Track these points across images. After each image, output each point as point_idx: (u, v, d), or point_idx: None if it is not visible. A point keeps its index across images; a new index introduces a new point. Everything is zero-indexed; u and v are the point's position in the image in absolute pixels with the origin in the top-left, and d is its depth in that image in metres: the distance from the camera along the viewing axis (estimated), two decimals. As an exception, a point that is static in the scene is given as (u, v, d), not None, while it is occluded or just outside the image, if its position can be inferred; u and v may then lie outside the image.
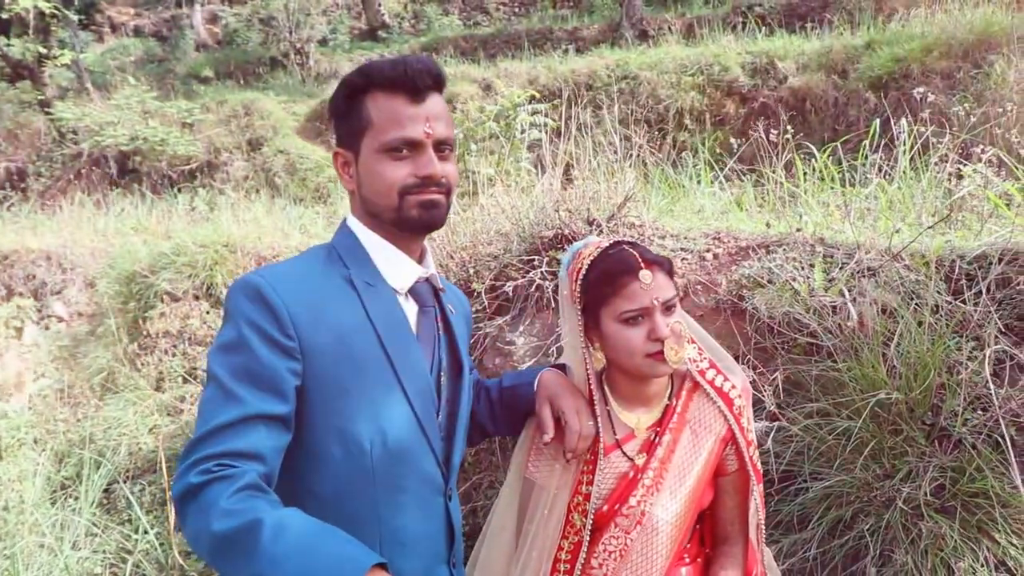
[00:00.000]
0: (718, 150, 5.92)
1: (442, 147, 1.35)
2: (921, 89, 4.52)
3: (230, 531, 1.05)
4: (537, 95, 5.67)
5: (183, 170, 9.78)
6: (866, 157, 3.29)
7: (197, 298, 4.98)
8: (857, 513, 2.13)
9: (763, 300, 2.41)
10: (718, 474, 1.57)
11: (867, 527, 2.07)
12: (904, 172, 3.21)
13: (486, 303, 2.95)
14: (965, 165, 2.97)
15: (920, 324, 2.13)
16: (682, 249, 2.79)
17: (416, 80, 1.31)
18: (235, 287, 1.28)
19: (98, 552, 3.47)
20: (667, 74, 8.91)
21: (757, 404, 2.14)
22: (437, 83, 1.35)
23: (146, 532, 3.49)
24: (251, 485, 1.11)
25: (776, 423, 2.21)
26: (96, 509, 3.77)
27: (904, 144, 3.23)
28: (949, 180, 3.02)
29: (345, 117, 1.36)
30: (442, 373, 1.44)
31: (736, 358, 2.18)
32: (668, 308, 1.45)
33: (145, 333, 4.92)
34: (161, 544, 3.47)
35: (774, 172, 3.45)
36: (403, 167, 1.32)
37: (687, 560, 1.56)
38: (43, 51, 10.53)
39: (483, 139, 4.96)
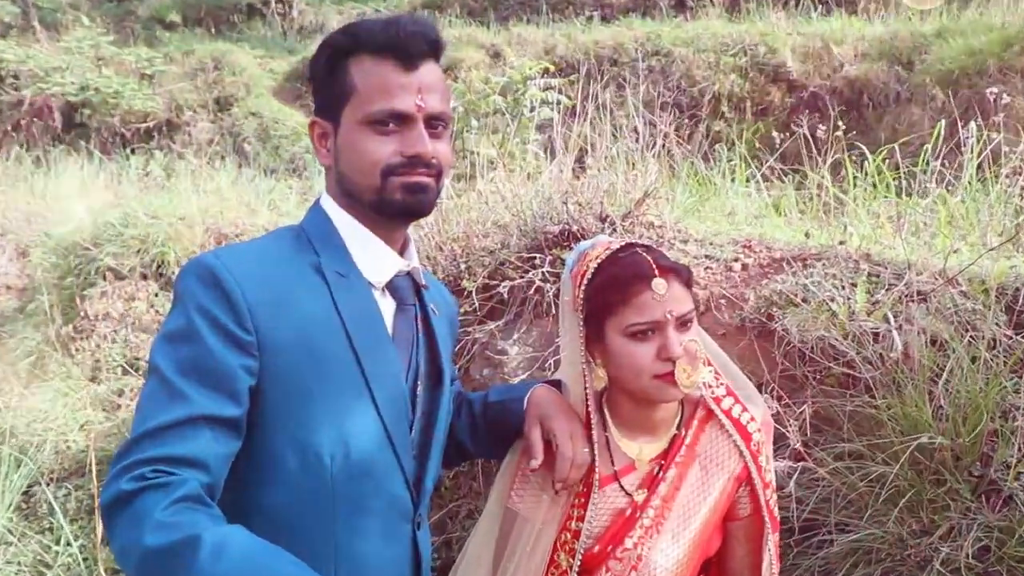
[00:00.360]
0: (757, 144, 5.93)
1: (435, 123, 1.36)
2: (996, 89, 4.53)
3: (164, 547, 1.07)
4: (552, 67, 5.71)
5: (138, 128, 9.82)
6: (927, 163, 3.31)
7: (145, 277, 5.00)
8: (887, 572, 2.14)
9: (795, 321, 2.42)
10: (728, 518, 1.59)
11: (898, 589, 2.09)
12: (969, 183, 3.22)
13: (477, 304, 2.97)
14: (1040, 179, 2.99)
15: (974, 360, 2.14)
16: (706, 256, 2.81)
17: (409, 44, 1.32)
18: (187, 268, 1.29)
19: (12, 563, 3.48)
20: (705, 52, 8.94)
21: (780, 440, 2.15)
22: (434, 49, 1.36)
23: (69, 544, 3.50)
24: (191, 496, 1.12)
25: (800, 464, 2.23)
26: (12, 514, 3.78)
27: (972, 151, 3.25)
28: (1020, 196, 3.03)
29: (325, 82, 1.38)
30: (419, 381, 1.45)
31: (759, 386, 2.20)
32: (683, 324, 1.46)
33: (82, 314, 4.93)
34: (85, 559, 3.48)
35: (819, 174, 3.46)
36: (388, 143, 1.33)
37: (687, 614, 1.57)
38: (-16, -20, 10.57)
39: (486, 115, 4.99)
